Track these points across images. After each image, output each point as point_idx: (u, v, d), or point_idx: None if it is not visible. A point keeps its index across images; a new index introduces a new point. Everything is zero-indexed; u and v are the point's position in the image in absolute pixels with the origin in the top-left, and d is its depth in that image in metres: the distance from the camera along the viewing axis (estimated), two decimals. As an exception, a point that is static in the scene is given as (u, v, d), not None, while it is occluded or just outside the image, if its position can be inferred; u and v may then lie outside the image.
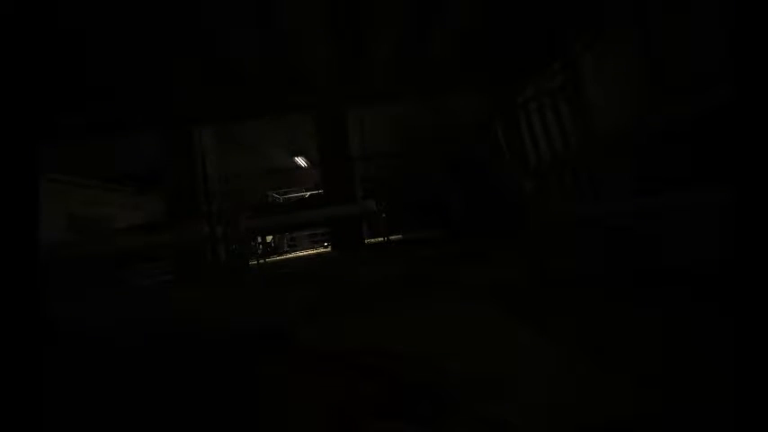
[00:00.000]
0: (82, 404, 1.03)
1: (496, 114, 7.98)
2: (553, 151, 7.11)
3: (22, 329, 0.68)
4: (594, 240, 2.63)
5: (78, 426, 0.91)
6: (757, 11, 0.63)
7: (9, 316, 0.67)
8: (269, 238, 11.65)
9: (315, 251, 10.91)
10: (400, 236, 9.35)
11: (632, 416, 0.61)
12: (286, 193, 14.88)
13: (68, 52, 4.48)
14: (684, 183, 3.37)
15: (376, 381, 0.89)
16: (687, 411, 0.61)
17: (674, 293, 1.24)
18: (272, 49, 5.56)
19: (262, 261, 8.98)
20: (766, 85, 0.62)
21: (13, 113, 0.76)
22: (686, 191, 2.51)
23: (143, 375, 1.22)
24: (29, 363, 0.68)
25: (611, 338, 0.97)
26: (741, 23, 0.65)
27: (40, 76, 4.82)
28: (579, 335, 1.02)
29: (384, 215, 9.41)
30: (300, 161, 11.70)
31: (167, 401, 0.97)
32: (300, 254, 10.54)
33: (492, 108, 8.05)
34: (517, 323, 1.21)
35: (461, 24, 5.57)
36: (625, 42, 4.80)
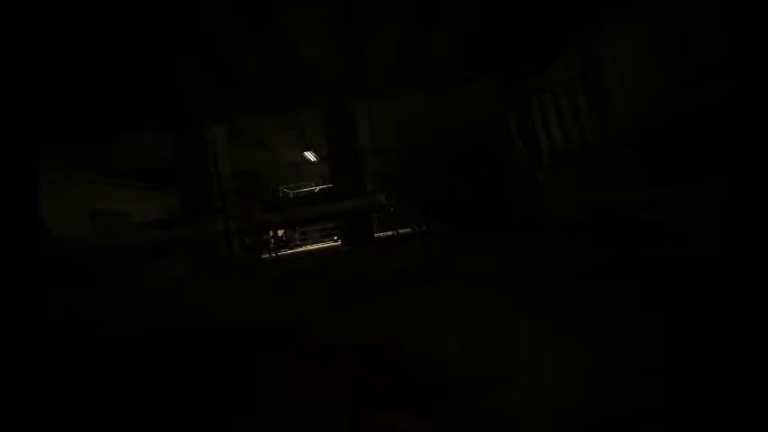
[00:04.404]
0: (91, 397, 1.08)
1: (509, 105, 7.82)
2: (567, 142, 6.93)
3: (20, 328, 0.69)
4: (607, 232, 2.57)
5: (86, 419, 0.95)
6: (758, 8, 0.61)
7: (7, 315, 0.68)
8: (280, 233, 11.84)
9: (325, 245, 11.04)
10: (409, 230, 9.34)
11: (635, 409, 0.61)
12: (296, 188, 15.04)
13: (75, 52, 4.51)
14: (701, 174, 3.25)
15: (382, 374, 0.89)
16: (690, 405, 0.60)
17: (682, 286, 1.21)
18: (276, 48, 5.58)
19: (273, 255, 9.16)
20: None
21: (12, 115, 0.75)
22: (702, 182, 2.41)
23: (151, 368, 1.27)
24: (27, 361, 0.69)
25: (617, 331, 0.95)
26: (741, 17, 0.63)
27: (48, 77, 4.89)
28: (585, 328, 1.01)
29: (393, 209, 9.41)
30: (310, 156, 11.78)
31: (173, 394, 1.00)
32: (311, 247, 10.69)
33: (504, 99, 7.89)
34: (523, 317, 1.20)
35: (472, 12, 5.44)
36: (643, 27, 4.61)
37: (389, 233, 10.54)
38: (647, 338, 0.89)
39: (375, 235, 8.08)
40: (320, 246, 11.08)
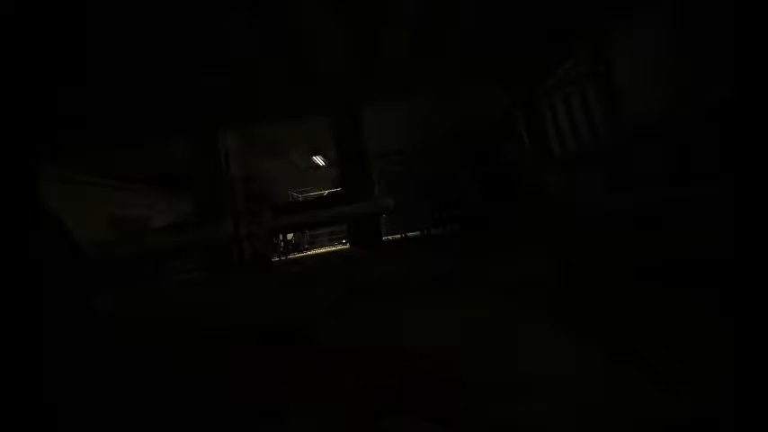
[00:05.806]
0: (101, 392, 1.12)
1: (519, 106, 7.78)
2: (579, 141, 6.86)
3: (20, 327, 0.71)
4: (621, 232, 2.54)
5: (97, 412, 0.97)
6: (757, 11, 0.63)
7: (7, 315, 0.70)
8: (290, 236, 12.00)
9: (333, 248, 11.14)
10: (417, 232, 9.35)
11: (665, 420, 0.55)
12: (306, 192, 15.24)
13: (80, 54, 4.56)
14: (720, 173, 3.19)
15: (393, 378, 0.88)
16: (719, 415, 0.55)
17: (704, 286, 1.13)
18: (287, 49, 5.64)
19: (283, 258, 9.30)
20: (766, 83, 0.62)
21: (12, 117, 0.77)
22: (715, 181, 2.37)
23: (158, 369, 1.30)
24: (25, 359, 0.71)
25: (640, 336, 0.89)
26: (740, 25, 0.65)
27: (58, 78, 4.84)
28: (606, 332, 0.96)
29: (402, 212, 9.45)
30: (319, 160, 11.94)
31: (179, 395, 1.01)
32: (320, 251, 10.80)
33: (514, 100, 7.85)
34: (540, 320, 1.16)
35: (481, 12, 5.41)
36: (658, 21, 4.51)
37: (398, 236, 10.56)
38: (673, 344, 0.83)
39: (383, 238, 8.13)
40: (329, 249, 11.18)
